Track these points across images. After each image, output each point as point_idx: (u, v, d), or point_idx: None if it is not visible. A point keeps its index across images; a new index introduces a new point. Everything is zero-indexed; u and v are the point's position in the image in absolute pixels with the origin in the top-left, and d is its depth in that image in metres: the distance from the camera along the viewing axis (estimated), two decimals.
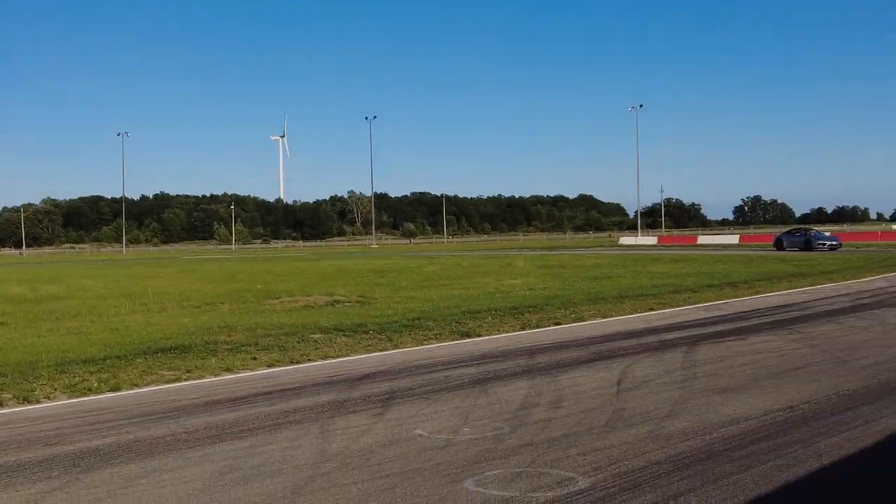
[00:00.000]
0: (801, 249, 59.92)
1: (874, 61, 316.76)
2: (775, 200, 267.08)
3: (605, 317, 20.14)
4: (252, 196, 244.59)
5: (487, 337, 17.06)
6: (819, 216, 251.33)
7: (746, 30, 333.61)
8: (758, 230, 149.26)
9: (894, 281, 29.16)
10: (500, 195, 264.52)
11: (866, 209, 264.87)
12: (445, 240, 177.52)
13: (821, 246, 59.94)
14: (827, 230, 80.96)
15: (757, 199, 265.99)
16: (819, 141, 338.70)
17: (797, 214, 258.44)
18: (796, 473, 7.10)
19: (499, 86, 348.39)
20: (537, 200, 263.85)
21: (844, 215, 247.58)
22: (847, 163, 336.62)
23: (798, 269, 36.04)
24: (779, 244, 63.99)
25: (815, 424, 8.76)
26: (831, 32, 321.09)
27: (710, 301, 23.54)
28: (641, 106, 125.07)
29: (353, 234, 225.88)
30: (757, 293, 25.75)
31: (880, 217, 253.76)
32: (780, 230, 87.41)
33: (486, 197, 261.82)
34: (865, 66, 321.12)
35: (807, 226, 76.59)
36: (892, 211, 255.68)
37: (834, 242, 61.01)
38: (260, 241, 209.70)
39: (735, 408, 9.67)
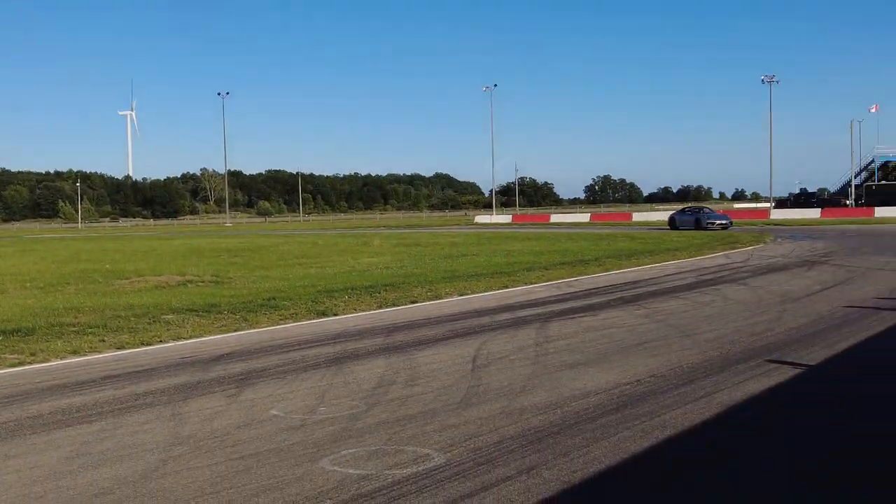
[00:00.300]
0: (693, 228, 56.78)
1: (721, 50, 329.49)
2: (624, 180, 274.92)
3: (462, 294, 20.35)
4: (99, 173, 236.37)
5: (344, 316, 17.01)
6: (665, 195, 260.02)
7: (590, 15, 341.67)
8: (608, 209, 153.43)
9: (734, 257, 30.43)
10: (356, 173, 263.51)
11: (709, 188, 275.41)
12: (302, 218, 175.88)
13: (711, 225, 56.33)
14: (715, 207, 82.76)
15: (607, 178, 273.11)
16: (665, 123, 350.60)
17: (645, 194, 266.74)
18: (643, 444, 7.35)
19: (355, 64, 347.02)
20: (394, 179, 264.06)
21: (689, 195, 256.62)
22: (691, 145, 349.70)
23: (646, 247, 37.19)
24: (672, 223, 60.95)
25: (662, 397, 9.08)
26: (679, 23, 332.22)
27: (563, 278, 24.07)
28: (496, 86, 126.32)
29: (207, 212, 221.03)
30: (607, 270, 26.46)
31: (722, 196, 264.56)
32: (629, 208, 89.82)
33: (342, 175, 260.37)
34: (710, 54, 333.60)
35: (699, 204, 72.12)
36: (733, 191, 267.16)
37: (724, 221, 57.32)
38: (108, 219, 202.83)
39: (586, 382, 9.94)
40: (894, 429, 7.86)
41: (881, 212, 71.28)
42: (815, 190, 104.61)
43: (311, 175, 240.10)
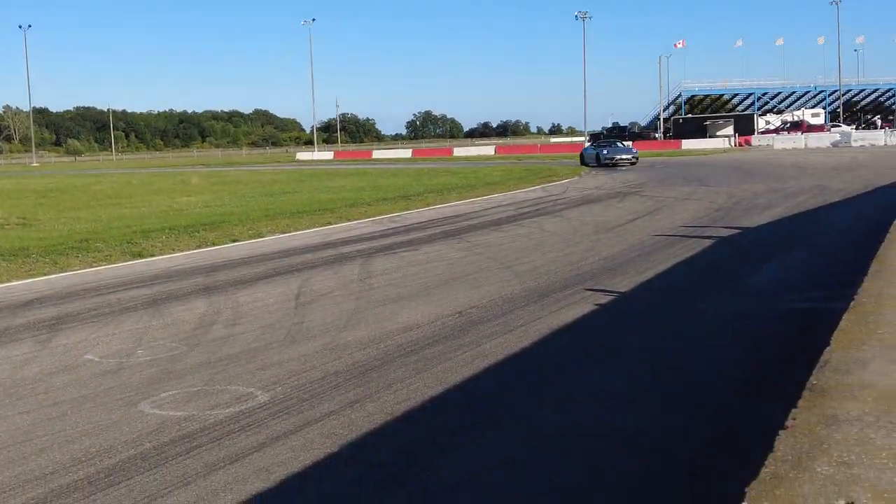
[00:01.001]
0: (595, 165, 49.13)
1: None
2: (445, 115, 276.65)
3: (284, 232, 20.13)
4: None
5: (162, 257, 16.54)
6: (485, 130, 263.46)
7: None
8: (430, 144, 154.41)
9: (551, 190, 31.26)
10: (171, 110, 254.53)
11: (527, 123, 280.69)
12: (115, 157, 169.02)
13: (611, 161, 48.31)
14: (534, 142, 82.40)
15: (428, 114, 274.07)
16: (484, 59, 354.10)
17: (465, 129, 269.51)
18: (465, 374, 7.51)
19: None
20: (212, 116, 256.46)
21: (507, 130, 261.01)
22: (510, 81, 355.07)
23: (467, 182, 37.70)
24: (581, 159, 53.40)
25: (482, 327, 9.28)
26: None
27: (385, 214, 24.14)
28: (314, 20, 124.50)
29: (11, 152, 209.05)
30: (429, 205, 26.70)
31: (540, 131, 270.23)
32: (450, 144, 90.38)
33: (157, 112, 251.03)
34: None
35: (608, 139, 62.47)
36: (550, 125, 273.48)
37: (630, 156, 49.19)
38: None
39: (408, 315, 10.05)
40: (697, 344, 8.31)
41: (688, 144, 74.53)
42: (626, 124, 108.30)
43: (124, 112, 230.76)
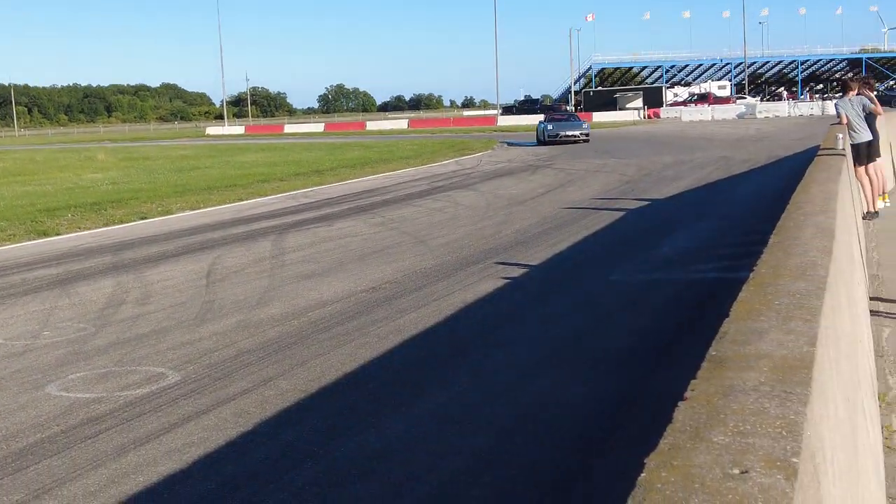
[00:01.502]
0: (545, 143, 41.78)
1: None
2: (357, 89, 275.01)
3: (194, 209, 19.83)
4: None
5: (68, 235, 16.16)
6: (398, 104, 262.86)
7: None
8: (342, 118, 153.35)
9: (465, 164, 31.34)
10: (76, 84, 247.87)
11: (440, 97, 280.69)
12: (17, 133, 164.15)
13: (556, 138, 41.38)
14: (448, 115, 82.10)
15: (340, 87, 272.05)
16: (397, 32, 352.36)
17: (378, 102, 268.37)
18: (380, 350, 7.52)
19: None
20: (118, 90, 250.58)
21: (421, 103, 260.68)
22: (422, 54, 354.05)
23: (381, 156, 37.57)
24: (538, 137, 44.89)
25: (397, 302, 9.30)
26: None
27: (298, 189, 23.94)
28: None
29: None
30: (342, 180, 26.56)
31: (453, 104, 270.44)
32: (363, 117, 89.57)
33: (60, 87, 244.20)
34: None
35: (564, 112, 54.17)
36: (463, 98, 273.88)
37: (581, 131, 41.93)
38: None
39: (322, 292, 10.01)
40: (607, 314, 8.45)
41: (598, 116, 75.24)
42: (538, 97, 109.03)
43: (26, 87, 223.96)
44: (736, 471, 1.38)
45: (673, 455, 1.46)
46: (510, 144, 44.40)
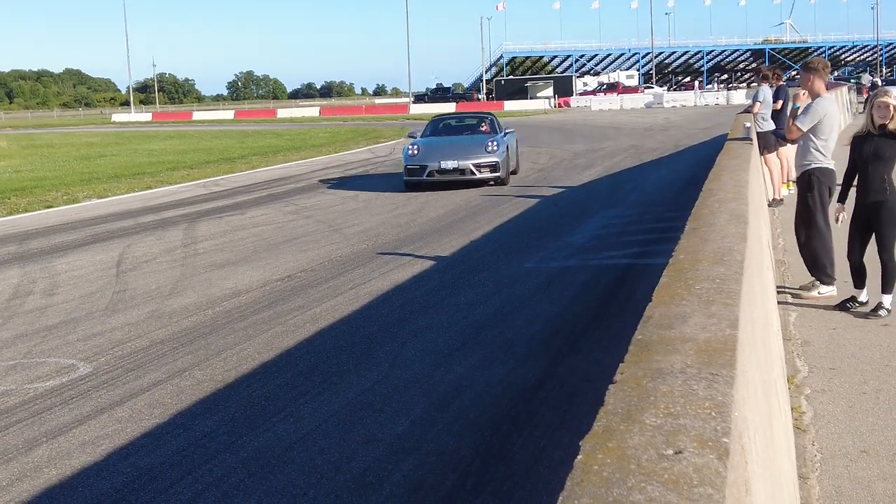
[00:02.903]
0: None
1: None
2: (268, 76, 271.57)
3: (102, 197, 19.40)
4: None
5: None
6: (309, 91, 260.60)
7: None
8: (253, 105, 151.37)
9: (378, 152, 31.24)
10: None
11: (351, 84, 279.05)
12: None
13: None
14: (358, 103, 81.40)
15: (250, 74, 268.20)
16: (307, 18, 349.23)
17: (289, 90, 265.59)
18: (296, 339, 7.47)
19: None
20: (19, 75, 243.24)
21: (332, 91, 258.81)
22: (333, 41, 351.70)
23: (293, 143, 37.21)
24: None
25: (313, 291, 9.24)
26: None
27: (209, 177, 23.59)
28: None
29: None
30: (254, 168, 26.25)
31: (364, 92, 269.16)
32: (274, 105, 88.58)
33: None
34: None
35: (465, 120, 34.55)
36: (375, 86, 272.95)
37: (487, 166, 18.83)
38: None
39: (237, 281, 9.89)
40: (521, 300, 8.52)
41: (510, 105, 75.73)
42: (450, 85, 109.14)
43: None
44: (670, 451, 1.41)
45: (607, 437, 1.48)
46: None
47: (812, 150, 7.93)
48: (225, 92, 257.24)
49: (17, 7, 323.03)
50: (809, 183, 7.99)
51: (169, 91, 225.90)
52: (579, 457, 1.43)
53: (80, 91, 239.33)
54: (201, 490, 4.64)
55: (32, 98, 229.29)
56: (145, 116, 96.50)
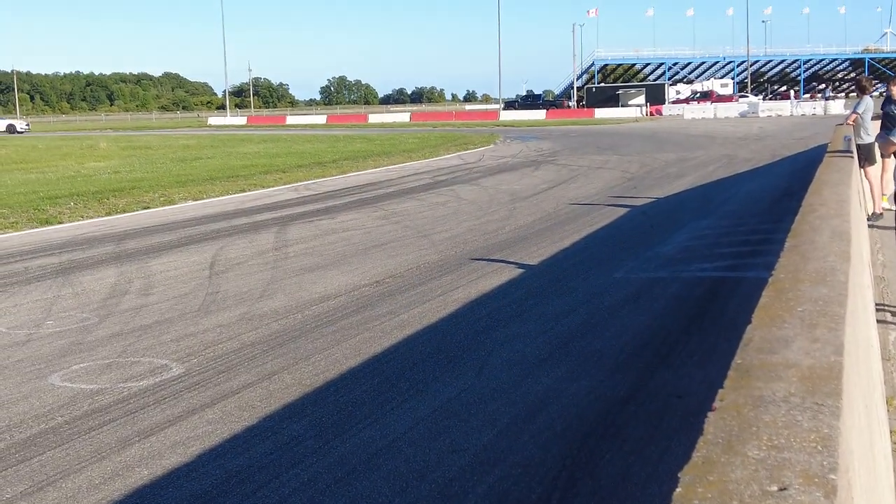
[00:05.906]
0: None
1: None
2: (360, 81, 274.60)
3: (196, 199, 19.80)
4: None
5: (70, 224, 16.13)
6: (400, 96, 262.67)
7: None
8: (344, 110, 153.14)
9: (467, 158, 31.29)
10: (78, 72, 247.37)
11: (442, 90, 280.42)
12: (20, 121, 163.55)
13: None
14: (448, 109, 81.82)
15: (342, 79, 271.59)
16: (399, 24, 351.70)
17: (380, 95, 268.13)
18: (384, 344, 7.49)
19: None
20: (120, 78, 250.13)
21: (422, 97, 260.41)
22: (425, 47, 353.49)
23: (383, 149, 37.50)
24: None
25: (400, 297, 9.27)
26: None
27: (301, 181, 23.90)
28: None
29: None
30: (345, 172, 26.51)
31: (454, 98, 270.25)
32: (365, 110, 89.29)
33: (63, 74, 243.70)
34: None
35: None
36: (465, 92, 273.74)
37: None
38: None
39: (326, 285, 9.98)
40: (610, 311, 8.41)
41: (601, 112, 75.24)
42: (540, 92, 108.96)
43: (28, 74, 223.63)
44: (774, 487, 1.35)
45: (708, 469, 1.43)
46: (512, 140, 44.32)
47: None
48: (318, 97, 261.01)
49: (119, 11, 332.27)
50: None
51: (263, 95, 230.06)
52: (678, 489, 1.38)
53: (178, 94, 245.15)
54: (288, 494, 4.68)
55: (132, 100, 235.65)
56: (240, 120, 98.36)
